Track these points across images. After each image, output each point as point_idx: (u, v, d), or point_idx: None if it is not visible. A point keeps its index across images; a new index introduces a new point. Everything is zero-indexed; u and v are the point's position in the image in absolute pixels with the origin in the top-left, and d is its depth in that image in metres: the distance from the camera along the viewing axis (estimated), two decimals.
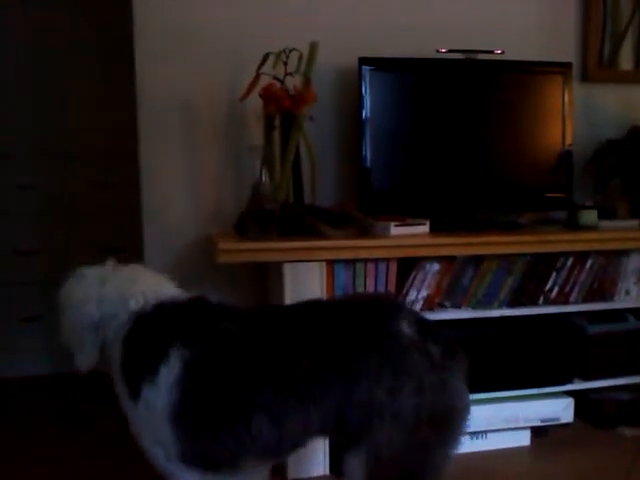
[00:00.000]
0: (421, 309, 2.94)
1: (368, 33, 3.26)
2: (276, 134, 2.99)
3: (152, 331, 2.03)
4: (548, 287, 3.08)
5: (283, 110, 2.94)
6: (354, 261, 2.84)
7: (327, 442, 2.80)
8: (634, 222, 3.21)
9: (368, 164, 3.07)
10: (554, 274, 3.08)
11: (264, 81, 2.96)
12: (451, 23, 3.37)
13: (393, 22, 3.30)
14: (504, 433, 3.09)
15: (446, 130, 3.19)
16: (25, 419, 3.53)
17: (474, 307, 3.03)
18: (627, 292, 3.19)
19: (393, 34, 3.29)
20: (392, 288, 2.89)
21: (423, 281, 2.95)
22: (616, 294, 3.18)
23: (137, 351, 2.03)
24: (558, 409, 3.12)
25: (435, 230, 2.99)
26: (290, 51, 2.97)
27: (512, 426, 3.08)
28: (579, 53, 3.56)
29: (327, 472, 2.83)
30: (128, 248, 3.62)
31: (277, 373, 1.92)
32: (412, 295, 2.94)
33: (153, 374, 1.96)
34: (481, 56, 3.24)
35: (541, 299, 3.09)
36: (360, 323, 1.99)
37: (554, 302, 3.11)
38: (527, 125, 3.26)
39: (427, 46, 3.22)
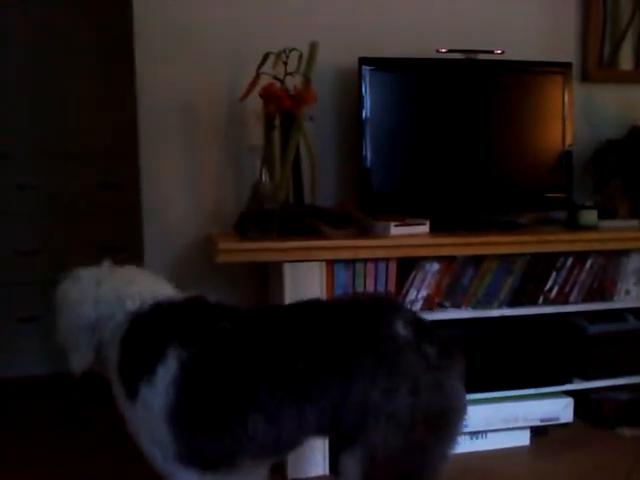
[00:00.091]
0: (421, 309, 2.95)
1: (368, 33, 3.26)
2: (276, 134, 2.99)
3: (149, 331, 2.03)
4: (548, 287, 3.08)
5: (283, 110, 2.94)
6: (354, 261, 2.84)
7: (327, 442, 2.81)
8: (634, 222, 3.21)
9: (368, 164, 3.08)
10: (554, 274, 3.08)
11: (264, 81, 2.96)
12: (451, 23, 3.37)
13: (393, 22, 3.30)
14: (504, 433, 3.09)
15: (446, 130, 3.19)
16: (24, 419, 3.53)
17: (474, 307, 3.03)
18: (627, 292, 3.18)
19: (393, 34, 3.29)
20: (392, 288, 2.89)
21: (423, 281, 2.95)
22: (616, 294, 3.18)
23: (134, 351, 2.02)
24: (558, 409, 3.12)
25: (435, 230, 2.99)
26: (290, 51, 2.97)
27: (511, 426, 3.08)
28: (579, 53, 3.56)
29: (327, 472, 2.83)
30: (128, 248, 3.63)
31: (273, 373, 1.93)
32: (412, 295, 2.94)
33: (150, 374, 1.96)
34: (481, 56, 3.24)
35: (541, 299, 3.09)
36: (356, 324, 1.99)
37: (554, 302, 3.10)
38: (527, 125, 3.26)
39: (427, 46, 3.22)
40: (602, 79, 3.60)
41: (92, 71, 4.22)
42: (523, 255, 3.03)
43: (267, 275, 3.13)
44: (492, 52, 3.25)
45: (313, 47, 2.97)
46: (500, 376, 3.03)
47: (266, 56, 2.96)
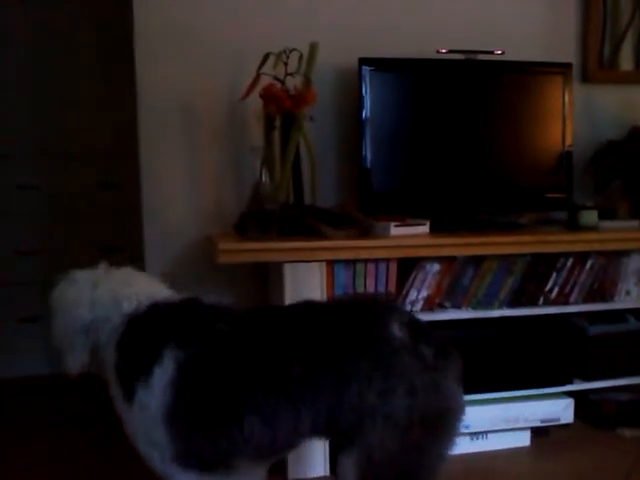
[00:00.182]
0: (421, 309, 2.95)
1: (368, 33, 3.26)
2: (276, 134, 2.99)
3: (146, 333, 2.02)
4: (548, 287, 3.08)
5: (283, 110, 2.94)
6: (354, 261, 2.84)
7: (327, 443, 2.80)
8: (634, 223, 3.21)
9: (368, 164, 3.07)
10: (554, 274, 3.08)
11: (264, 81, 2.96)
12: (451, 24, 3.37)
13: (393, 22, 3.30)
14: (504, 433, 3.09)
15: (446, 131, 3.19)
16: (24, 419, 3.54)
17: (474, 307, 3.03)
18: (627, 293, 3.18)
19: (393, 34, 3.29)
20: (392, 288, 2.89)
21: (423, 281, 2.95)
22: (616, 295, 3.17)
23: (131, 353, 2.02)
24: (558, 410, 3.12)
25: (435, 230, 2.99)
26: (290, 51, 2.97)
27: (512, 426, 3.08)
28: (579, 54, 3.56)
29: (327, 472, 2.83)
30: (128, 248, 3.63)
31: (269, 375, 1.92)
32: (412, 295, 2.94)
33: (147, 375, 1.96)
34: (481, 56, 3.24)
35: (541, 299, 3.09)
36: (351, 326, 1.98)
37: (554, 302, 3.10)
38: (527, 126, 3.26)
39: (427, 47, 3.22)
40: (602, 80, 3.60)
41: (92, 71, 4.23)
42: (523, 255, 3.03)
43: (267, 275, 3.13)
44: (492, 52, 3.25)
45: (313, 47, 2.97)
46: (500, 377, 3.03)
47: (266, 56, 2.96)
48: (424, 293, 2.95)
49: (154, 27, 3.10)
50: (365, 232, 2.88)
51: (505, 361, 3.04)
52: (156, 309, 2.06)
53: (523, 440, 3.13)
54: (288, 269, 2.75)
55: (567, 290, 3.11)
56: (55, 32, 4.18)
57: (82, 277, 2.13)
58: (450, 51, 3.21)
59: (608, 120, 3.57)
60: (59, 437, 3.26)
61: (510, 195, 3.27)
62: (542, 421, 3.11)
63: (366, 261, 2.85)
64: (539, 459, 3.05)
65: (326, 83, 3.19)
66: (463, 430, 2.93)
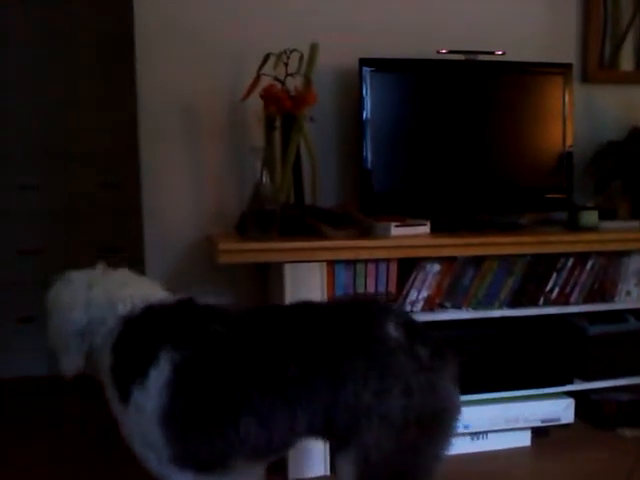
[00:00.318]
0: (422, 309, 2.95)
1: (369, 34, 3.26)
2: (277, 135, 2.99)
3: (141, 335, 2.02)
4: (549, 288, 3.08)
5: (284, 111, 2.94)
6: (355, 262, 2.84)
7: (327, 442, 2.80)
8: (635, 223, 3.21)
9: (369, 165, 3.07)
10: (555, 275, 3.08)
11: (265, 82, 2.96)
12: (452, 24, 3.37)
13: (394, 23, 3.30)
14: (505, 433, 3.09)
15: (447, 131, 3.19)
16: (24, 419, 3.53)
17: (475, 308, 3.03)
18: (628, 293, 3.18)
19: (394, 35, 3.29)
20: (393, 288, 2.90)
21: (424, 281, 2.95)
22: (617, 295, 3.17)
23: (127, 355, 2.02)
24: (558, 410, 3.12)
25: (436, 231, 2.99)
26: (291, 52, 2.97)
27: (513, 426, 3.08)
28: (579, 54, 3.56)
29: (327, 472, 2.83)
30: (128, 248, 3.63)
31: (265, 375, 1.92)
32: (413, 295, 2.94)
33: (143, 377, 1.96)
34: (482, 57, 3.23)
35: (541, 300, 3.09)
36: (347, 326, 1.98)
37: (555, 303, 3.10)
38: (528, 126, 3.26)
39: (428, 47, 3.22)
40: (602, 80, 3.60)
41: (92, 71, 4.22)
42: (524, 256, 3.03)
43: (268, 276, 3.13)
44: (493, 53, 3.25)
45: (314, 48, 2.98)
46: (501, 377, 3.03)
47: (267, 57, 2.96)
48: (424, 293, 2.95)
49: (154, 27, 3.10)
50: (365, 232, 2.88)
51: (505, 361, 3.04)
52: (151, 311, 2.06)
53: (523, 440, 3.13)
54: (288, 269, 2.75)
55: (567, 290, 3.11)
56: (55, 32, 4.18)
57: (78, 278, 2.13)
58: (450, 51, 3.21)
59: (608, 120, 3.57)
60: (59, 437, 3.26)
61: (510, 195, 3.27)
62: (542, 421, 3.11)
63: (366, 261, 2.85)
64: (539, 459, 3.05)
65: (326, 84, 3.19)
66: (463, 430, 2.97)
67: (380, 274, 2.88)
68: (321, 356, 1.93)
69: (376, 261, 2.86)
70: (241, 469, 2.08)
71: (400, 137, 3.13)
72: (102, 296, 2.08)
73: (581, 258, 3.10)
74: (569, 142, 3.31)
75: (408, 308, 2.93)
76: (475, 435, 3.06)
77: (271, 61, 2.96)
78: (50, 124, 4.19)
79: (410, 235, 2.90)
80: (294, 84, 2.98)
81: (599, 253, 3.12)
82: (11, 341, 4.09)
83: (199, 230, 3.17)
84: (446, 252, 2.91)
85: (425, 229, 2.96)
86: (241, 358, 1.95)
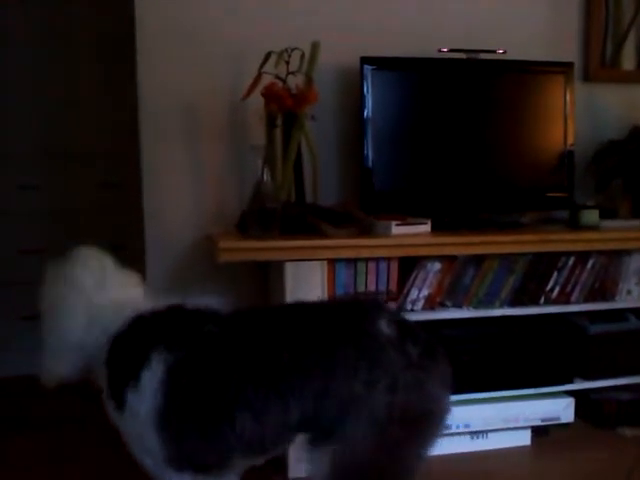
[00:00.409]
0: (422, 308, 2.95)
1: (370, 32, 3.26)
2: (278, 133, 2.99)
3: (133, 342, 2.02)
4: (549, 287, 3.08)
5: (285, 109, 2.94)
6: (355, 260, 2.84)
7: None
8: (636, 222, 3.21)
9: (370, 163, 3.07)
10: (555, 274, 3.08)
11: (266, 80, 2.95)
12: (453, 23, 3.38)
13: (395, 21, 3.31)
14: (504, 433, 3.09)
15: (448, 130, 3.19)
16: (25, 418, 3.53)
17: (475, 306, 3.02)
18: (628, 292, 3.18)
19: (395, 33, 3.29)
20: (393, 287, 2.89)
21: (424, 280, 2.94)
22: (617, 294, 3.17)
23: (120, 360, 2.02)
24: (559, 409, 3.12)
25: (436, 229, 2.99)
26: (292, 50, 2.96)
27: (512, 426, 3.08)
28: (581, 53, 3.57)
29: None
30: (129, 248, 3.62)
31: (258, 368, 1.92)
32: (413, 294, 2.94)
33: (136, 380, 1.96)
34: (483, 56, 3.24)
35: (542, 299, 3.09)
36: (339, 321, 1.98)
37: (555, 302, 3.10)
38: (529, 125, 3.26)
39: (429, 46, 3.22)
40: (604, 79, 3.60)
41: (92, 71, 4.22)
42: (524, 255, 3.03)
43: (268, 274, 3.12)
44: (494, 52, 3.25)
45: (315, 46, 2.98)
46: (501, 376, 3.03)
47: (268, 55, 2.96)
48: (425, 292, 2.95)
49: (155, 28, 3.10)
50: (366, 231, 2.89)
51: (506, 360, 3.04)
52: (141, 319, 2.05)
53: (523, 439, 3.13)
54: (289, 268, 2.75)
55: (568, 289, 3.11)
56: (55, 32, 4.18)
57: (73, 296, 2.12)
58: (452, 50, 3.21)
59: (610, 119, 3.57)
60: (59, 437, 3.26)
61: (511, 194, 3.27)
62: (542, 420, 3.11)
63: (367, 260, 2.85)
64: (539, 458, 3.04)
65: (328, 82, 3.19)
66: (463, 429, 2.97)
67: (381, 273, 2.88)
68: (312, 346, 1.93)
69: (377, 260, 2.86)
70: (235, 468, 2.09)
71: (401, 136, 3.13)
72: (101, 306, 2.08)
73: (582, 257, 3.10)
74: (570, 141, 3.31)
75: (409, 307, 2.93)
76: (475, 434, 3.05)
77: (272, 59, 2.95)
78: (50, 124, 4.19)
79: (411, 234, 2.90)
80: (295, 82, 2.98)
81: (600, 252, 3.12)
82: (11, 340, 4.09)
83: (200, 230, 3.17)
84: (447, 251, 2.91)
85: (426, 228, 2.96)
86: (234, 355, 1.95)
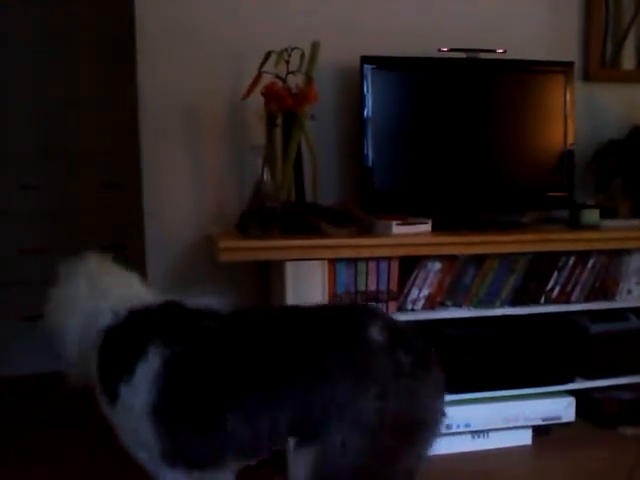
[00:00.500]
0: (423, 308, 2.95)
1: (370, 32, 3.25)
2: (278, 133, 2.99)
3: (127, 336, 2.03)
4: (550, 286, 3.08)
5: (285, 109, 2.94)
6: (356, 260, 2.83)
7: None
8: (636, 221, 3.21)
9: (370, 163, 3.07)
10: (556, 273, 3.08)
11: (266, 80, 2.95)
12: (453, 22, 3.37)
13: (395, 21, 3.30)
14: (505, 432, 3.09)
15: (448, 129, 3.18)
16: (25, 418, 3.52)
17: (476, 306, 3.02)
18: (629, 291, 3.18)
19: (395, 33, 3.29)
20: (394, 287, 2.89)
21: (425, 280, 2.94)
22: (618, 293, 3.17)
23: (113, 354, 2.03)
24: (560, 408, 3.11)
25: (437, 229, 2.98)
26: (292, 50, 2.96)
27: (513, 425, 3.08)
28: (581, 52, 3.56)
29: None
30: (129, 248, 3.62)
31: (251, 373, 1.93)
32: (414, 294, 2.94)
33: (130, 373, 1.97)
34: (483, 55, 3.23)
35: (543, 298, 3.08)
36: (331, 327, 1.98)
37: (556, 301, 3.10)
38: (529, 124, 3.26)
39: (429, 45, 3.22)
40: (604, 78, 3.60)
41: (92, 71, 4.22)
42: (525, 254, 3.03)
43: (269, 274, 3.12)
44: (494, 51, 3.25)
45: (315, 46, 2.97)
46: (502, 375, 3.03)
47: (268, 55, 2.95)
48: (425, 292, 2.95)
49: (155, 28, 3.09)
50: (366, 230, 2.89)
51: (506, 360, 3.04)
52: (137, 314, 2.06)
53: (524, 439, 3.13)
54: (289, 267, 2.75)
55: (569, 289, 3.11)
56: (55, 32, 4.17)
57: (76, 282, 2.14)
58: (452, 50, 3.20)
59: (610, 119, 3.57)
60: (59, 437, 3.25)
61: (512, 194, 3.27)
62: (543, 420, 3.11)
63: (367, 259, 2.85)
64: (540, 458, 3.05)
65: (328, 81, 3.19)
66: (464, 429, 2.97)
67: (381, 272, 2.88)
68: (304, 353, 1.93)
69: (377, 259, 2.86)
70: (230, 467, 2.10)
71: (401, 135, 3.13)
72: (95, 299, 2.10)
73: (582, 256, 3.10)
74: (570, 140, 3.31)
75: (409, 306, 2.93)
76: (476, 434, 3.06)
77: (272, 59, 2.95)
78: (50, 124, 4.19)
79: (411, 233, 2.90)
80: (295, 82, 2.98)
81: (600, 251, 3.12)
82: (11, 340, 4.09)
83: (200, 230, 3.17)
84: (447, 250, 2.91)
85: (426, 227, 2.96)
86: (230, 355, 1.96)
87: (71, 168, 4.22)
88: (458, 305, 3.01)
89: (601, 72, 3.59)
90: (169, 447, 1.97)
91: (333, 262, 2.81)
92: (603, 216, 3.15)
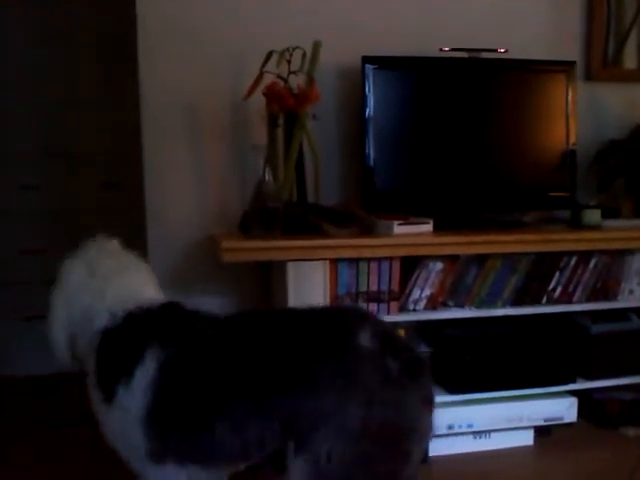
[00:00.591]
0: (424, 308, 2.95)
1: (371, 32, 3.25)
2: (279, 133, 2.99)
3: (126, 336, 2.03)
4: (552, 286, 3.08)
5: (286, 109, 2.93)
6: (357, 260, 2.83)
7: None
8: (638, 221, 3.21)
9: (371, 163, 3.07)
10: (558, 273, 3.08)
11: (268, 80, 2.95)
12: (455, 22, 3.37)
13: (396, 21, 3.30)
14: (507, 433, 3.08)
15: (449, 129, 3.18)
16: (25, 418, 3.52)
17: (477, 306, 3.02)
18: (631, 291, 3.18)
19: (396, 33, 3.29)
20: (395, 287, 2.89)
21: (426, 280, 2.94)
22: (620, 293, 3.17)
23: (112, 355, 2.03)
24: (561, 409, 3.11)
25: (438, 229, 2.98)
26: (293, 50, 2.96)
27: (515, 426, 3.07)
28: (583, 52, 3.56)
29: None
30: (131, 248, 3.61)
31: (241, 381, 1.92)
32: (415, 294, 2.94)
33: (129, 376, 1.97)
34: (485, 55, 3.23)
35: (545, 298, 3.08)
36: (322, 333, 1.97)
37: (558, 301, 3.10)
38: (531, 124, 3.26)
39: (430, 45, 3.22)
40: (606, 78, 3.59)
41: (92, 71, 4.21)
42: (527, 254, 3.02)
43: (270, 274, 3.12)
44: (496, 51, 3.25)
45: (316, 46, 2.97)
46: (504, 376, 3.02)
47: (269, 55, 2.95)
48: (427, 292, 2.95)
49: (156, 28, 3.09)
50: (368, 230, 2.89)
51: (508, 360, 3.03)
52: (137, 315, 2.06)
53: (526, 439, 3.13)
54: (291, 267, 2.75)
55: (570, 289, 3.10)
56: (55, 32, 4.17)
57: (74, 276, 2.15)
58: (453, 49, 3.20)
59: (611, 119, 3.57)
60: (59, 437, 3.25)
61: (513, 194, 3.26)
62: (545, 420, 3.10)
63: (369, 260, 2.85)
64: (542, 458, 3.04)
65: (329, 81, 3.19)
66: (466, 429, 2.96)
67: (383, 272, 2.88)
68: (294, 361, 1.92)
69: (379, 259, 2.86)
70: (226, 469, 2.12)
71: (403, 135, 3.13)
72: (94, 289, 2.10)
73: (584, 256, 3.10)
74: (572, 140, 3.30)
75: (411, 307, 2.93)
76: (478, 434, 3.05)
77: (274, 59, 2.95)
78: (50, 124, 4.18)
79: (413, 233, 2.89)
80: (297, 82, 2.97)
81: (602, 251, 3.11)
82: (11, 340, 4.08)
83: (202, 230, 3.16)
84: (449, 250, 2.91)
85: (428, 227, 2.95)
86: (223, 361, 1.96)
87: (71, 168, 4.21)
88: (460, 305, 3.01)
89: (603, 72, 3.58)
90: (156, 448, 1.98)
91: (335, 262, 2.81)
92: (605, 216, 3.15)
